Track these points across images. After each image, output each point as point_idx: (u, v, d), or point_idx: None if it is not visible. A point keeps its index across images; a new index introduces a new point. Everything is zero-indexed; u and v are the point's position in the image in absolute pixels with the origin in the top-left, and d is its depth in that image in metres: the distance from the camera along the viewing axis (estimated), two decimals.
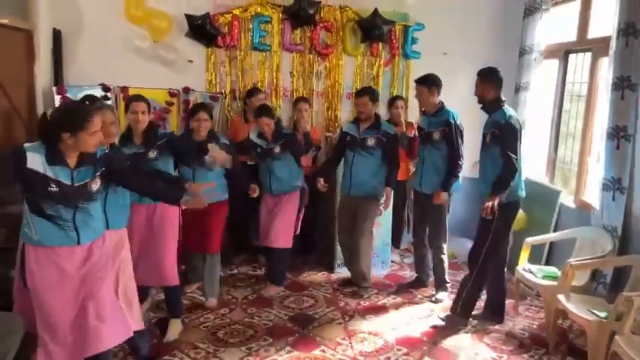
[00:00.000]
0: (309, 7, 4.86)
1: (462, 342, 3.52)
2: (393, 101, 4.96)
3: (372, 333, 3.61)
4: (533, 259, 4.14)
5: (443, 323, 3.72)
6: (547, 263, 4.36)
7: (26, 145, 2.31)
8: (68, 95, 4.39)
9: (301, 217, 4.30)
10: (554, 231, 4.37)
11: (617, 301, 2.90)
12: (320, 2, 4.95)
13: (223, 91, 5.02)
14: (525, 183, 4.82)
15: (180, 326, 3.47)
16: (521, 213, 4.66)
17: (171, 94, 4.83)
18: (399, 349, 3.40)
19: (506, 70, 5.02)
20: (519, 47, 4.92)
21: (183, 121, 4.77)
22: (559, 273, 3.61)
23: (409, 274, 4.79)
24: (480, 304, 3.85)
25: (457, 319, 3.71)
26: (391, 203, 4.29)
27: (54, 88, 4.49)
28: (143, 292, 3.32)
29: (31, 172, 2.25)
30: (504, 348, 3.46)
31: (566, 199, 4.42)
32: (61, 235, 2.35)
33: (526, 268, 3.91)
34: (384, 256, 4.79)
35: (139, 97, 3.32)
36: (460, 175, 3.99)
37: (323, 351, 3.34)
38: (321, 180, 4.13)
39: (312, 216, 4.57)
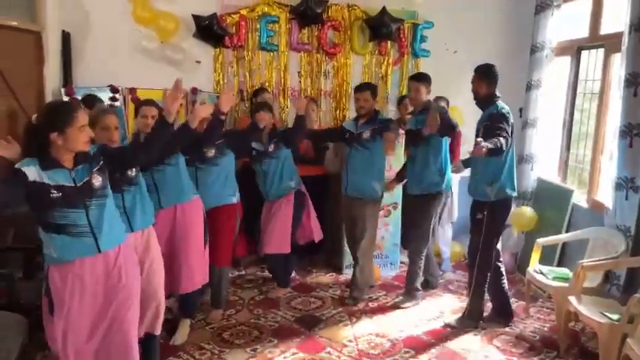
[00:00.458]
0: (317, 6, 4.83)
1: (471, 344, 3.46)
2: (402, 100, 4.92)
3: (379, 335, 3.57)
4: (545, 260, 4.07)
5: (453, 327, 3.68)
6: (559, 264, 4.27)
7: (17, 165, 2.21)
8: (77, 97, 4.41)
9: (313, 223, 4.22)
10: (567, 231, 4.28)
11: (630, 303, 2.82)
12: (327, 1, 4.93)
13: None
14: (537, 182, 4.83)
15: (188, 327, 3.45)
16: (531, 213, 4.62)
17: None
18: (406, 352, 3.35)
19: (518, 67, 5.03)
20: (530, 44, 4.83)
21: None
22: (571, 274, 3.53)
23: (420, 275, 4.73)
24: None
25: (466, 322, 3.67)
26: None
27: (62, 90, 4.52)
28: None
29: (32, 185, 2.15)
30: (514, 351, 3.39)
31: (579, 199, 4.33)
32: (79, 244, 2.24)
33: (537, 270, 3.84)
34: (392, 257, 4.74)
35: (150, 102, 3.25)
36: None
37: (329, 353, 3.30)
38: None
39: (319, 216, 4.53)
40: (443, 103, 4.61)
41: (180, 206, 3.14)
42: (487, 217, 3.46)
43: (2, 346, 2.49)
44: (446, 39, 5.12)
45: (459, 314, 3.77)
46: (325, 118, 5.16)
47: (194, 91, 4.87)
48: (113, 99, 4.61)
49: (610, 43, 4.00)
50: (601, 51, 4.17)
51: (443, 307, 4.03)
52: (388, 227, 4.64)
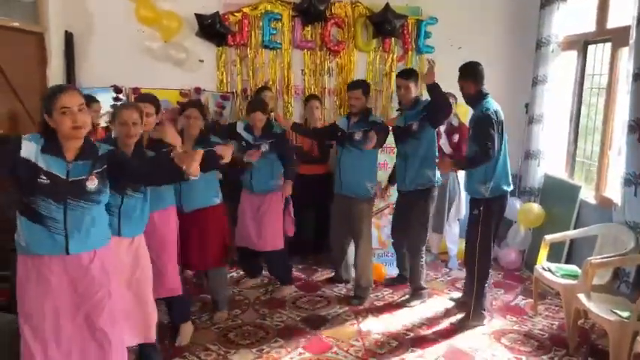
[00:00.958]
0: (320, 3, 4.80)
1: (478, 343, 3.43)
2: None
3: (385, 333, 3.54)
4: (553, 257, 4.03)
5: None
6: (567, 261, 4.23)
7: (26, 135, 2.17)
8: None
9: (292, 219, 4.21)
10: (575, 228, 4.24)
11: None
12: None
13: (234, 90, 4.99)
14: (544, 178, 4.79)
15: (191, 327, 3.42)
16: (539, 209, 4.58)
17: (183, 94, 4.82)
18: (413, 350, 3.32)
19: (523, 63, 4.99)
20: (536, 39, 4.78)
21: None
22: (579, 271, 3.49)
23: (424, 272, 4.70)
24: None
25: (472, 323, 3.64)
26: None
27: None
28: None
29: (22, 161, 2.08)
30: (522, 349, 3.36)
31: (587, 195, 4.28)
32: (48, 240, 2.13)
33: (545, 267, 3.80)
34: None
35: (144, 99, 3.17)
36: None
37: (335, 352, 3.28)
38: None
39: (325, 215, 4.51)
40: (450, 100, 4.57)
41: (157, 213, 2.99)
42: (483, 213, 3.50)
43: (3, 348, 2.48)
44: (450, 35, 5.07)
45: (463, 315, 3.74)
46: (329, 116, 5.13)
47: (197, 90, 4.86)
48: (116, 99, 4.60)
49: (617, 37, 3.95)
50: (608, 45, 4.12)
51: (450, 304, 3.99)
52: None
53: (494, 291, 4.31)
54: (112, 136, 2.78)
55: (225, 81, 4.98)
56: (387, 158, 4.52)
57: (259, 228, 3.95)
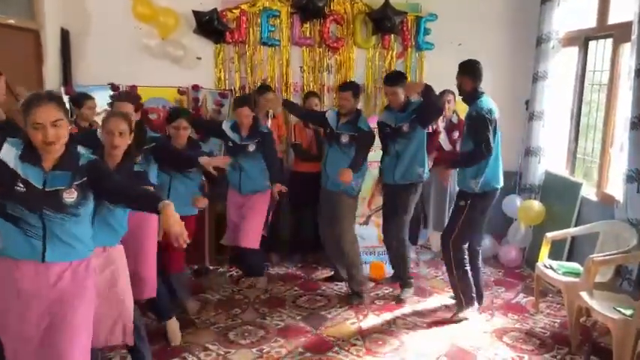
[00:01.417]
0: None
1: (480, 341, 3.40)
2: (442, 95, 4.79)
3: (387, 333, 3.51)
4: (554, 254, 4.00)
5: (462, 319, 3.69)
6: (568, 259, 4.21)
7: (10, 138, 2.07)
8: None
9: (269, 219, 4.24)
10: (576, 225, 4.22)
11: None
12: None
13: (233, 87, 4.94)
14: (545, 175, 4.76)
15: (176, 323, 3.32)
16: (539, 207, 4.56)
17: (181, 92, 4.78)
18: (415, 349, 3.30)
19: (524, 59, 4.97)
20: (537, 35, 4.75)
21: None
22: (581, 269, 3.46)
23: (424, 271, 4.69)
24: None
25: (466, 309, 3.70)
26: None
27: (62, 89, 4.46)
28: None
29: (0, 164, 2.00)
30: (525, 347, 3.34)
31: (588, 192, 4.26)
32: (25, 244, 2.02)
33: (546, 264, 3.78)
34: None
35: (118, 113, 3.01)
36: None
37: (336, 352, 3.25)
38: None
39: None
40: (449, 97, 4.55)
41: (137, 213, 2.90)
42: (469, 206, 3.55)
43: None
44: (450, 32, 5.04)
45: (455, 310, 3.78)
46: None
47: (195, 87, 4.81)
48: (114, 97, 4.54)
49: (619, 33, 3.92)
50: (609, 41, 4.09)
51: (451, 303, 3.96)
52: None
53: (495, 289, 4.29)
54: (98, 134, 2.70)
55: (223, 78, 4.94)
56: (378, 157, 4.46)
57: (242, 221, 3.93)
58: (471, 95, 3.53)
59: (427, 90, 3.62)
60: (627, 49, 3.65)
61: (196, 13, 4.69)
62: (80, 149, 2.17)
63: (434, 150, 4.77)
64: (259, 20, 4.88)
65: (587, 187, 4.30)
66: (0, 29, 3.90)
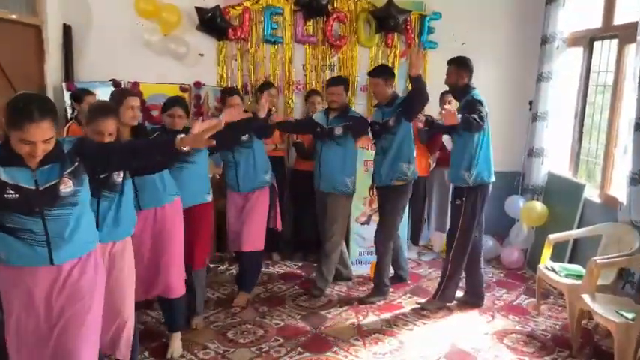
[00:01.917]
0: None
1: (481, 343, 3.38)
2: (442, 96, 4.77)
3: (386, 333, 3.50)
4: (556, 256, 3.98)
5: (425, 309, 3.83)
6: (571, 261, 4.18)
7: None
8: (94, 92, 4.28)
9: (278, 214, 4.10)
10: (579, 227, 4.19)
11: None
12: None
13: (235, 85, 4.92)
14: (548, 176, 4.73)
15: (179, 340, 3.21)
16: (542, 208, 4.53)
17: (183, 89, 4.76)
18: (415, 350, 3.28)
19: (528, 59, 4.94)
20: (541, 35, 4.72)
21: (194, 117, 4.71)
22: (583, 271, 3.44)
23: (426, 271, 4.66)
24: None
25: (437, 303, 3.82)
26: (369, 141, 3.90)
27: (64, 84, 4.45)
28: None
29: None
30: (525, 350, 3.31)
31: (591, 194, 4.23)
32: (29, 253, 1.95)
33: (548, 266, 3.75)
34: None
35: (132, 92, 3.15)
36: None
37: (335, 352, 3.23)
38: None
39: None
40: (451, 97, 4.51)
41: (160, 209, 2.92)
42: (465, 203, 3.61)
43: None
44: (454, 31, 5.00)
45: (430, 297, 3.91)
46: None
47: (197, 84, 4.79)
48: None
49: (624, 34, 3.89)
50: (614, 42, 4.06)
51: (452, 304, 3.93)
52: None
53: (497, 290, 4.27)
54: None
55: (225, 76, 4.92)
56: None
57: (242, 226, 3.77)
58: (465, 90, 3.59)
59: (417, 78, 3.52)
60: (632, 50, 3.61)
61: (199, 10, 4.66)
62: (61, 139, 2.05)
63: (437, 149, 4.76)
64: (262, 17, 4.85)
65: (590, 189, 4.27)
66: (2, 24, 3.88)
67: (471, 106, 3.49)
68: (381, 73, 3.81)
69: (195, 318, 3.49)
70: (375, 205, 4.23)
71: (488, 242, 4.95)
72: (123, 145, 2.29)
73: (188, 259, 3.23)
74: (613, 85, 4.04)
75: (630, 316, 2.88)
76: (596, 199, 4.15)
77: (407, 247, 4.72)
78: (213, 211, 3.47)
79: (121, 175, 2.48)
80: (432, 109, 4.60)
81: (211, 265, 4.57)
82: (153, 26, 4.72)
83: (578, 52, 4.55)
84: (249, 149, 3.72)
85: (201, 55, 4.87)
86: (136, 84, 4.61)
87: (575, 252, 4.26)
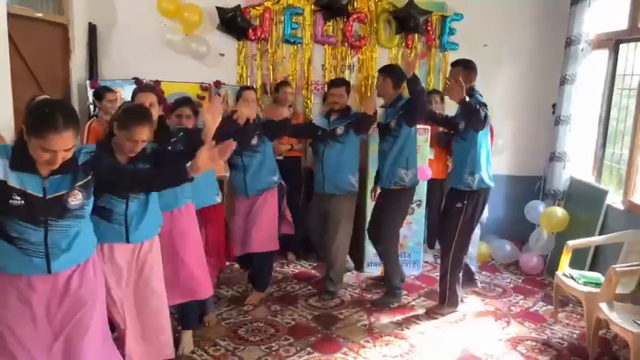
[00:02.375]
0: None
1: (494, 350, 3.32)
2: (428, 95, 4.76)
3: (398, 336, 3.46)
4: (576, 263, 3.88)
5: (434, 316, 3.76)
6: (591, 268, 4.07)
7: None
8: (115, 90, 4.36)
9: (288, 216, 4.07)
10: (600, 234, 4.08)
11: None
12: None
13: (254, 84, 4.95)
14: (570, 181, 4.63)
15: (191, 337, 3.23)
16: (563, 213, 4.43)
17: (203, 88, 4.82)
18: (425, 355, 3.24)
19: (552, 61, 4.85)
20: (566, 37, 4.61)
21: None
22: (602, 279, 3.35)
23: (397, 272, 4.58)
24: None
25: (445, 309, 3.77)
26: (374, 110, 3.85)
27: (88, 82, 4.55)
28: None
29: None
30: (540, 358, 3.24)
31: (614, 200, 4.12)
32: (26, 263, 1.90)
33: (566, 273, 3.66)
34: (415, 256, 4.60)
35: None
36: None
37: (345, 353, 3.22)
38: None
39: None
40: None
41: (176, 211, 2.93)
42: (466, 206, 3.59)
43: None
44: (476, 32, 4.94)
45: (436, 303, 3.85)
46: None
47: (217, 84, 4.85)
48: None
49: None
50: None
51: (466, 309, 3.88)
52: (412, 225, 4.51)
53: (514, 296, 4.19)
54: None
55: (245, 75, 4.96)
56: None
57: (251, 228, 3.70)
58: (469, 92, 3.52)
59: (412, 80, 3.53)
60: None
61: (220, 10, 4.71)
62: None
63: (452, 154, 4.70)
64: (282, 18, 4.88)
65: (613, 195, 4.16)
66: (29, 23, 3.99)
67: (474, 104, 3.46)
68: (390, 72, 3.79)
69: (207, 315, 3.50)
70: None
71: (506, 247, 4.88)
72: (135, 173, 2.27)
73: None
74: (638, 88, 3.92)
75: None
76: (619, 206, 4.04)
77: (423, 251, 4.69)
78: (222, 210, 3.46)
79: None
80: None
81: (227, 263, 4.60)
82: (175, 26, 4.80)
83: (604, 54, 4.43)
84: (259, 153, 3.69)
85: (222, 54, 4.92)
86: (157, 82, 4.68)
87: (597, 259, 4.15)
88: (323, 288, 4.14)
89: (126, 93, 4.24)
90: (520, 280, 4.55)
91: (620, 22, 4.20)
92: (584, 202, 4.41)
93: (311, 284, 4.27)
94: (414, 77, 3.55)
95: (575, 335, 3.55)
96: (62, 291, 1.98)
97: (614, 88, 4.37)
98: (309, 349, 3.25)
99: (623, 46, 4.25)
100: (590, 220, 4.24)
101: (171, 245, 2.86)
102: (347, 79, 5.00)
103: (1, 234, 1.87)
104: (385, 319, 3.71)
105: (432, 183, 4.53)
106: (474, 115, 3.38)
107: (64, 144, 1.81)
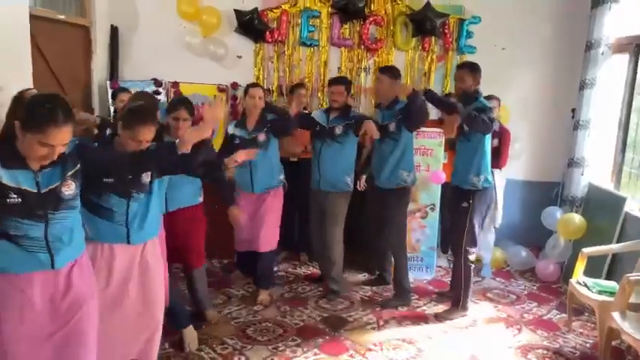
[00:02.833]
0: (359, 0, 4.73)
1: (503, 357, 3.28)
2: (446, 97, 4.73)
3: (406, 340, 3.44)
4: (593, 271, 3.81)
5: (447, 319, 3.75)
6: (608, 277, 3.98)
7: None
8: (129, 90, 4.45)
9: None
10: (618, 242, 3.99)
11: None
12: None
13: (271, 86, 5.00)
14: (588, 188, 4.54)
15: (193, 331, 3.23)
16: (580, 220, 4.35)
17: (220, 90, 4.88)
18: (432, 359, 3.22)
19: (571, 65, 4.77)
20: (586, 41, 4.53)
21: (230, 117, 4.83)
22: (617, 288, 3.27)
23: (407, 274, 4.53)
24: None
25: (458, 313, 3.77)
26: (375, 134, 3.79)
27: (108, 83, 4.65)
28: None
29: None
30: None
31: (633, 207, 4.03)
32: (30, 259, 1.88)
33: (580, 281, 3.59)
34: (428, 260, 4.57)
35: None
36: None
37: (351, 356, 3.22)
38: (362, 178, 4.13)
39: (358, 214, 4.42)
40: (494, 103, 4.40)
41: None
42: (474, 205, 3.62)
43: None
44: (494, 35, 4.89)
45: (448, 307, 3.84)
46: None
47: (234, 86, 4.90)
48: (156, 92, 4.71)
49: None
50: None
51: (477, 314, 3.84)
52: (425, 229, 4.49)
53: (527, 303, 4.13)
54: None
55: (261, 77, 4.99)
56: None
57: (258, 228, 3.75)
58: (474, 95, 3.57)
59: (414, 95, 3.56)
60: None
61: (238, 12, 4.77)
62: None
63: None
64: (299, 20, 4.91)
65: (632, 202, 4.07)
66: (52, 25, 4.10)
67: (482, 112, 3.47)
68: (392, 73, 3.80)
69: (208, 313, 3.54)
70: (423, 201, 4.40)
71: (521, 253, 4.81)
72: (124, 155, 2.25)
73: (186, 260, 3.30)
74: None
75: None
76: (638, 213, 3.94)
77: (436, 255, 4.65)
78: (202, 211, 3.39)
79: (149, 175, 2.38)
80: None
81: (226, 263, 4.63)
82: (194, 28, 4.86)
83: (624, 58, 4.35)
84: (265, 150, 3.69)
85: (240, 56, 4.97)
86: (175, 84, 4.77)
87: (614, 267, 4.05)
88: (327, 289, 4.13)
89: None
90: (535, 288, 4.48)
91: None
92: (602, 208, 4.32)
93: (322, 286, 4.28)
94: (415, 92, 3.58)
95: (588, 345, 3.49)
96: (64, 286, 1.98)
97: (635, 93, 4.28)
98: (315, 350, 3.26)
99: None
100: (607, 227, 4.15)
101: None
102: (362, 81, 5.05)
103: (1, 234, 1.85)
104: (394, 322, 3.70)
105: (445, 187, 4.50)
106: (473, 123, 3.44)
107: (63, 138, 1.83)
